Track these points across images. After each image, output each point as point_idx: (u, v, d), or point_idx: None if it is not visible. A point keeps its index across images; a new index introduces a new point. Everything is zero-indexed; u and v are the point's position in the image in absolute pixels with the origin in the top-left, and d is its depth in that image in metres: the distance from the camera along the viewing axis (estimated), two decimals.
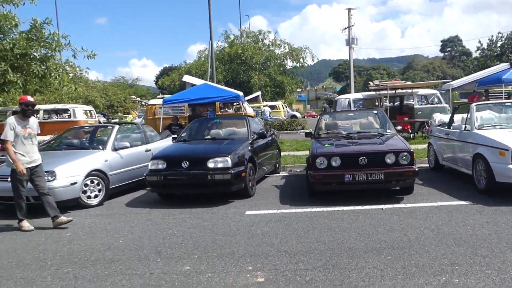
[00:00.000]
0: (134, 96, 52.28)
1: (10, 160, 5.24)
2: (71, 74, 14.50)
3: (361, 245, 4.20)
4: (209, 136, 7.85)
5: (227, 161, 6.27)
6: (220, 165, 6.26)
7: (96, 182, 6.63)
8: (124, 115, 41.17)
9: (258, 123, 8.75)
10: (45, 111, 15.15)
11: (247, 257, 4.02)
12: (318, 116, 12.58)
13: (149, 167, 6.52)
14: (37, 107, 15.49)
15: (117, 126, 7.77)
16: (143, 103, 54.11)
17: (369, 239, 4.40)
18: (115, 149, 7.23)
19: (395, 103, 15.13)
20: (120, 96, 42.01)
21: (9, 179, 5.54)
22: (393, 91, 14.46)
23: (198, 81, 15.27)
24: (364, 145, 6.53)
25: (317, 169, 6.02)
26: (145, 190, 7.79)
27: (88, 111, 15.90)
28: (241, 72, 37.93)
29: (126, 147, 7.38)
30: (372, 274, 3.47)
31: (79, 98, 31.57)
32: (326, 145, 6.61)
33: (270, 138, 8.71)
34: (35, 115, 5.34)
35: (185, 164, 6.29)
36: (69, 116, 15.03)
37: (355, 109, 13.93)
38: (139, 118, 32.44)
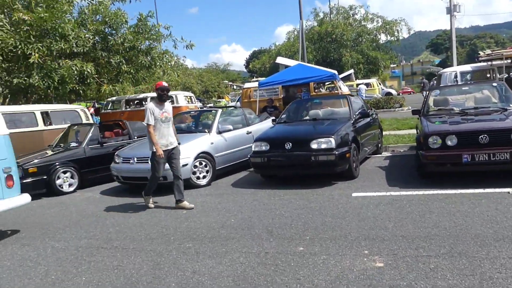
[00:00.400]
0: (226, 81, 54.12)
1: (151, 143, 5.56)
2: (172, 62, 15.40)
3: (489, 232, 3.80)
4: (308, 117, 7.76)
5: (331, 141, 6.13)
6: (323, 146, 6.15)
7: (204, 163, 7.01)
8: (218, 100, 42.91)
9: (359, 101, 8.40)
10: (152, 98, 16.37)
11: (361, 240, 3.90)
12: (413, 93, 11.62)
13: (253, 149, 6.68)
14: (144, 95, 16.89)
15: (220, 110, 8.09)
16: (235, 87, 55.87)
17: (499, 226, 3.96)
18: (219, 132, 7.54)
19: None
20: (214, 82, 43.80)
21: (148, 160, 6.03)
22: (510, 61, 12.77)
23: (291, 62, 15.17)
24: (483, 121, 5.89)
25: (429, 149, 5.58)
26: (247, 171, 8.04)
27: (188, 97, 16.83)
28: (332, 51, 36.88)
29: (229, 130, 7.64)
30: (508, 265, 3.11)
31: (178, 85, 33.75)
32: (436, 122, 6.10)
33: (372, 117, 8.32)
34: (169, 100, 5.70)
35: (288, 146, 6.30)
36: (172, 102, 16.04)
37: (468, 82, 12.59)
38: (232, 102, 33.50)
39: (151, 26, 13.78)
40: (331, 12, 40.92)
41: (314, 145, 6.17)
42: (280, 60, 16.48)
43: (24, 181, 6.97)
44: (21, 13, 10.84)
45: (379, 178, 6.54)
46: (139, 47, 13.60)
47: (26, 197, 5.20)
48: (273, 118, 8.52)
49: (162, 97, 5.63)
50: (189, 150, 6.83)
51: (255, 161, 6.63)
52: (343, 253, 3.63)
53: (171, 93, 16.91)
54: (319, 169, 6.30)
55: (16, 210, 6.50)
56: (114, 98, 16.74)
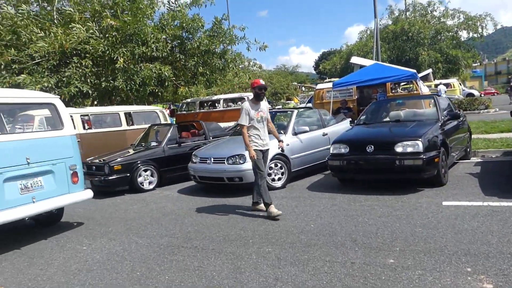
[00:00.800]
0: (295, 83, 53.89)
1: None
2: (245, 63, 15.52)
3: None
4: (389, 119, 7.30)
5: (418, 145, 5.67)
6: (409, 150, 5.70)
7: (279, 165, 6.87)
8: (287, 102, 42.79)
9: (446, 102, 7.73)
10: (224, 100, 16.69)
11: (461, 255, 3.48)
12: (497, 94, 10.44)
13: (331, 151, 6.41)
14: (218, 97, 17.26)
15: (296, 111, 7.91)
16: (304, 88, 55.39)
17: None
18: (295, 134, 7.36)
19: None
20: (283, 83, 43.78)
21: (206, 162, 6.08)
22: None
23: (367, 62, 14.56)
24: None
25: None
26: (322, 174, 7.77)
27: None
28: (407, 50, 35.13)
29: (305, 131, 7.43)
30: None
31: (248, 87, 34.22)
32: None
33: (460, 119, 7.61)
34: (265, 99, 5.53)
35: (370, 149, 5.94)
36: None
37: None
38: (301, 103, 33.19)
39: (226, 29, 14.06)
40: (407, 10, 38.98)
41: (399, 149, 5.75)
42: (355, 60, 15.90)
43: (110, 177, 7.40)
44: (109, 19, 11.59)
45: (471, 186, 5.91)
46: (214, 50, 13.94)
47: (89, 193, 5.55)
48: (351, 119, 8.16)
49: (259, 96, 5.36)
50: None
51: (333, 164, 6.35)
52: (441, 269, 3.25)
53: (244, 94, 17.18)
54: (403, 174, 5.85)
55: (102, 203, 6.92)
56: (189, 100, 17.32)
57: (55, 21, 12.34)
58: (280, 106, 33.81)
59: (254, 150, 5.28)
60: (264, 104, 5.53)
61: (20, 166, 4.69)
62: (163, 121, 11.47)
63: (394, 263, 3.45)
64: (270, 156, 6.72)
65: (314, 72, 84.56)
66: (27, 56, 11.40)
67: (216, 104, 17.03)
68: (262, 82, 5.37)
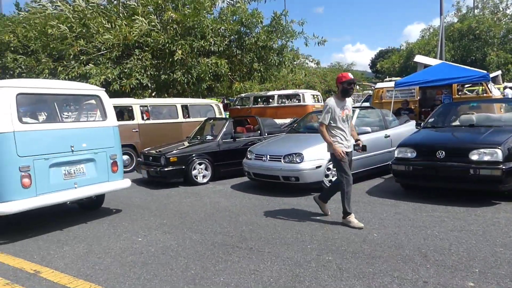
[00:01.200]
0: None
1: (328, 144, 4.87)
2: (301, 60, 15.19)
3: None
4: (459, 123, 6.70)
5: (497, 153, 5.11)
6: (486, 158, 5.16)
7: None
8: None
9: None
10: (279, 96, 16.47)
11: None
12: None
13: (396, 155, 5.98)
14: (272, 93, 17.08)
15: (357, 110, 7.52)
16: (357, 87, 53.69)
17: None
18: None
19: None
20: None
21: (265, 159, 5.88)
22: None
23: (433, 61, 13.67)
24: None
25: None
26: (382, 178, 7.34)
27: (315, 96, 16.48)
28: (474, 49, 32.88)
29: (367, 132, 7.02)
30: None
31: (301, 84, 33.76)
32: None
33: None
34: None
35: (441, 154, 5.45)
36: (299, 101, 15.92)
37: None
38: (357, 103, 32.19)
39: (285, 25, 13.79)
40: (476, 7, 36.46)
41: (474, 156, 5.22)
42: (419, 58, 15.01)
43: (166, 169, 7.46)
44: (170, 12, 11.78)
45: None
46: (271, 46, 13.74)
47: (127, 182, 5.82)
48: (416, 122, 7.62)
49: (348, 92, 4.78)
50: (323, 151, 6.40)
51: (397, 169, 5.92)
52: None
53: (298, 91, 16.88)
54: (478, 185, 5.31)
55: (157, 194, 6.98)
56: (243, 94, 17.30)
57: (120, 14, 12.76)
58: None
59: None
60: (350, 101, 4.99)
61: (65, 153, 5.03)
62: (218, 115, 11.49)
63: (474, 287, 3.06)
64: (328, 156, 6.43)
65: (369, 70, 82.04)
66: (93, 47, 11.88)
67: (270, 100, 16.86)
68: (351, 75, 4.82)
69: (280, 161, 6.42)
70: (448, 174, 5.40)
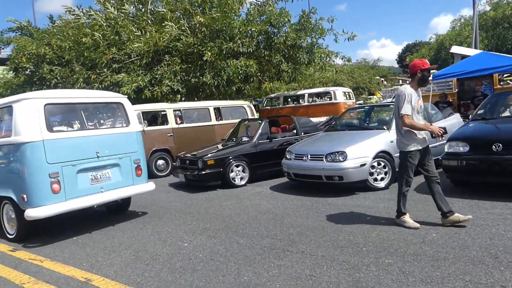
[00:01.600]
0: (377, 77, 51.42)
1: (404, 140, 4.43)
2: (330, 57, 14.84)
3: None
4: (508, 113, 6.30)
5: None
6: None
7: (382, 164, 6.27)
8: (369, 96, 40.99)
9: None
10: (309, 95, 16.21)
11: None
12: None
13: (446, 150, 5.65)
14: (302, 92, 16.83)
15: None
16: (385, 83, 52.59)
17: None
18: None
19: None
20: (365, 78, 42.03)
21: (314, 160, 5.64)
22: None
23: (471, 52, 13.08)
24: None
25: None
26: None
27: (347, 93, 16.12)
28: (508, 38, 31.48)
29: None
30: None
31: (329, 82, 33.29)
32: None
33: None
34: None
35: (497, 148, 5.09)
36: (330, 99, 15.61)
37: None
38: (388, 99, 31.46)
39: (314, 22, 13.53)
40: None
41: None
42: (456, 49, 14.40)
43: (203, 172, 7.38)
44: (198, 16, 11.77)
45: None
46: (300, 44, 13.51)
47: (151, 185, 5.96)
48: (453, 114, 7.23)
49: (426, 81, 4.40)
50: (367, 148, 6.18)
51: (449, 164, 5.60)
52: None
53: (329, 89, 16.56)
54: None
55: (196, 198, 6.89)
56: (272, 95, 17.14)
57: (148, 21, 12.87)
58: (362, 102, 32.35)
59: (413, 151, 4.37)
60: (419, 92, 4.53)
61: (91, 159, 5.22)
62: (250, 116, 11.37)
63: None
64: (372, 153, 6.19)
65: (396, 66, 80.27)
66: (125, 54, 12.02)
67: (300, 99, 16.62)
68: (428, 62, 4.47)
69: (322, 160, 6.20)
70: (508, 169, 5.03)
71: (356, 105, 15.78)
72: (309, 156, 6.45)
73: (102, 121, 6.27)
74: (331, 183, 6.22)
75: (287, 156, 6.99)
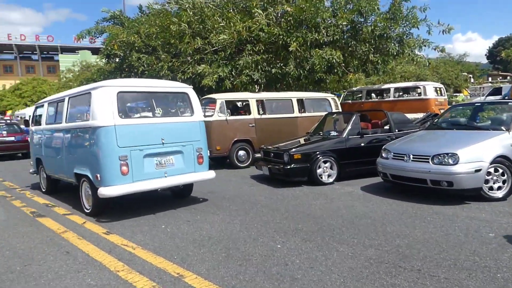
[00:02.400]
0: (465, 73, 47.34)
1: None
2: (423, 48, 13.57)
3: None
4: None
5: None
6: None
7: (500, 171, 5.40)
8: (454, 94, 37.90)
9: None
10: (396, 89, 15.12)
11: None
12: None
13: None
14: (387, 86, 15.74)
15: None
16: (472, 80, 48.24)
17: None
18: None
19: None
20: (451, 74, 38.91)
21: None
22: None
23: None
24: None
25: None
26: None
27: (438, 89, 14.77)
28: None
29: None
30: None
31: (411, 76, 31.19)
32: None
33: None
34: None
35: None
36: (419, 94, 14.40)
37: None
38: (480, 97, 28.74)
39: (407, 11, 12.41)
40: None
41: None
42: None
43: (289, 166, 7.01)
44: (285, 5, 11.35)
45: None
46: (389, 35, 12.50)
47: (211, 173, 6.14)
48: None
49: None
50: (483, 152, 5.36)
51: None
52: None
53: (419, 83, 15.30)
54: None
55: (282, 194, 6.52)
56: (354, 88, 16.28)
57: (231, 10, 12.72)
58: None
59: None
60: None
61: (156, 145, 5.48)
62: (334, 109, 10.77)
63: None
64: (490, 157, 5.35)
65: (483, 61, 73.58)
66: (208, 44, 12.03)
67: (385, 94, 15.58)
68: None
69: (428, 162, 5.49)
70: None
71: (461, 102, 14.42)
72: (411, 156, 5.75)
73: (168, 110, 6.44)
74: (436, 189, 5.50)
75: (383, 154, 6.35)
